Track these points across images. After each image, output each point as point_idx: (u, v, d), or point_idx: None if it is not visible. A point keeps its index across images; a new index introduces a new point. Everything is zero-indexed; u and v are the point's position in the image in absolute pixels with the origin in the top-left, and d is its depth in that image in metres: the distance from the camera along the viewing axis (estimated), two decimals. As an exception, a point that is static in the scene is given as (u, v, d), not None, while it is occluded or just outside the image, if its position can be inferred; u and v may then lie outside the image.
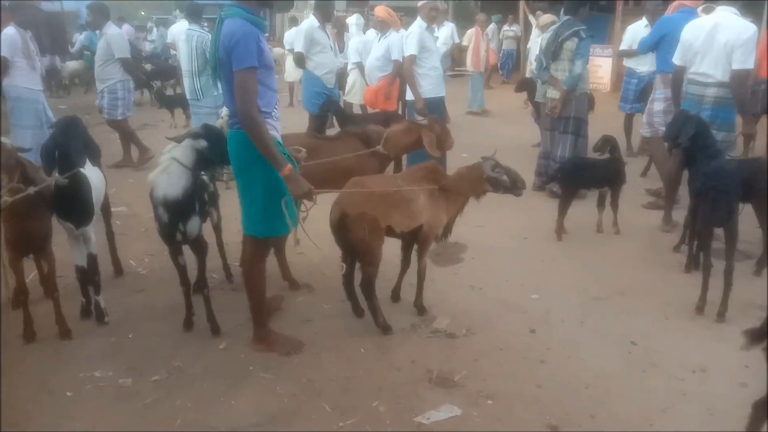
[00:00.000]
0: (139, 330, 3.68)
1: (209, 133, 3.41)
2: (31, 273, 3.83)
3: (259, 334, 3.45)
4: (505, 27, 16.53)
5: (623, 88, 8.09)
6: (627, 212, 5.58)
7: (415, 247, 3.81)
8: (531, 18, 12.40)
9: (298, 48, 6.79)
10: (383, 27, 7.37)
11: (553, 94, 6.07)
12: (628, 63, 7.98)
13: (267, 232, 3.24)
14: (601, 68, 14.57)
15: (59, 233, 3.64)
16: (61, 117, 4.14)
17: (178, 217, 3.39)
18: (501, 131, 9.84)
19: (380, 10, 7.56)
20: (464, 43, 12.50)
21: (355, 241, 3.45)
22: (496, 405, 2.99)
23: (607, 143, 5.25)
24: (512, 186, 3.67)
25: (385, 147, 4.34)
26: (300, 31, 6.86)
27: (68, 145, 3.54)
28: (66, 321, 3.56)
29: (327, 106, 6.15)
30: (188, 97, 6.74)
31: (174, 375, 3.23)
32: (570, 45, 5.87)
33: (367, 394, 3.06)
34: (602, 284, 4.33)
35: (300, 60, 6.82)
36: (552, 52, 5.99)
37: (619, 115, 8.20)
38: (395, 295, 4.04)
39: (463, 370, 3.26)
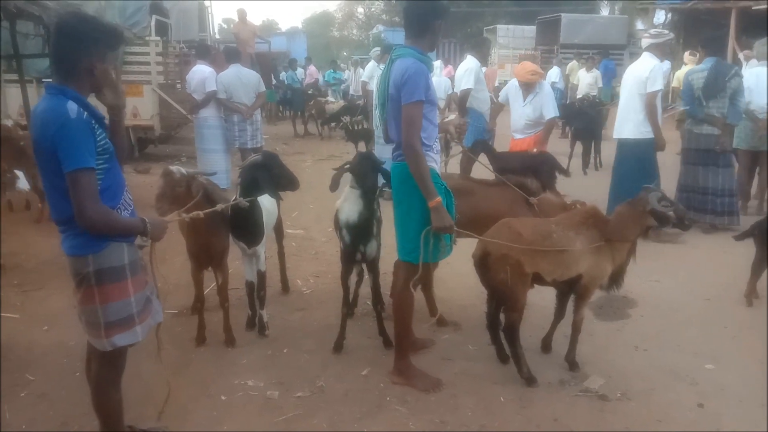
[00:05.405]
0: (293, 346, 3.91)
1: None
2: (210, 284, 4.30)
3: (399, 365, 3.47)
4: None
5: None
6: None
7: (573, 296, 3.57)
8: (740, 55, 11.09)
9: (469, 85, 6.91)
10: (529, 88, 6.39)
11: (710, 130, 6.24)
12: None
13: (423, 258, 3.25)
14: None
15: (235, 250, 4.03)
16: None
17: (360, 239, 3.64)
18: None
19: (524, 74, 6.39)
20: None
21: (496, 283, 3.33)
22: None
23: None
24: (679, 222, 3.49)
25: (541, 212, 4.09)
26: (470, 70, 6.98)
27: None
28: (232, 330, 3.92)
29: (478, 146, 6.07)
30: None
31: (316, 394, 3.37)
32: (735, 83, 6.12)
33: (500, 448, 2.91)
34: (800, 364, 3.67)
35: (465, 97, 6.95)
36: (714, 90, 6.13)
37: None
38: (546, 346, 3.82)
39: (610, 439, 2.96)
